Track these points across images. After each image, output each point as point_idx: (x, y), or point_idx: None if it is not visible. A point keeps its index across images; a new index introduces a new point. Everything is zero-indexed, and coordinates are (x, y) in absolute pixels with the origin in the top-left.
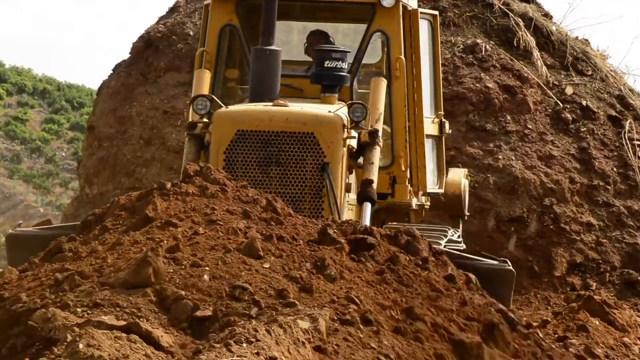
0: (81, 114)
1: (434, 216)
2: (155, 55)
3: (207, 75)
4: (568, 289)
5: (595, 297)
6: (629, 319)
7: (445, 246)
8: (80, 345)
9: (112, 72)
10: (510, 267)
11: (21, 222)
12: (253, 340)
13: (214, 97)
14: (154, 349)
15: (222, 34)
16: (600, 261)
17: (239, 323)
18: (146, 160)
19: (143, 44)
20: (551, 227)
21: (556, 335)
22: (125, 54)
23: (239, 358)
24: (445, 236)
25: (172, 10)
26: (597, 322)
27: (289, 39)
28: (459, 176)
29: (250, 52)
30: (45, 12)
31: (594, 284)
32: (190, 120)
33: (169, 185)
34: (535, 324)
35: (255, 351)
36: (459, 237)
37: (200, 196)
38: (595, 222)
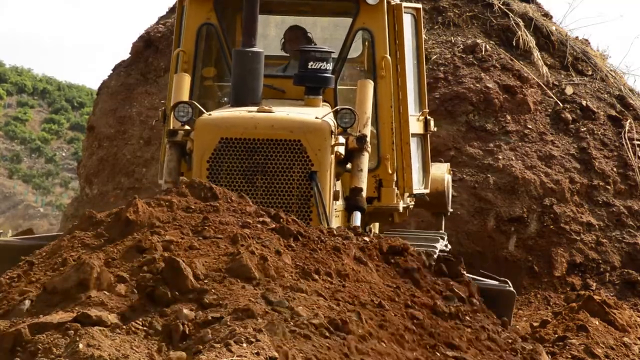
0: (81, 114)
1: (416, 213)
2: (155, 55)
3: (186, 80)
4: (568, 289)
5: (595, 297)
6: (629, 319)
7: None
8: (80, 345)
9: (112, 72)
10: (511, 288)
11: (1, 231)
12: (253, 340)
13: (196, 103)
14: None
15: (200, 33)
16: (600, 261)
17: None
18: (146, 160)
19: (143, 44)
20: (551, 227)
21: (556, 335)
22: (125, 54)
23: (239, 358)
24: (437, 246)
25: (172, 10)
26: (597, 322)
27: (266, 33)
28: (441, 172)
29: (231, 53)
30: (45, 12)
31: (594, 284)
32: (171, 127)
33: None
34: (535, 324)
35: (255, 351)
36: (446, 245)
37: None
38: (595, 222)
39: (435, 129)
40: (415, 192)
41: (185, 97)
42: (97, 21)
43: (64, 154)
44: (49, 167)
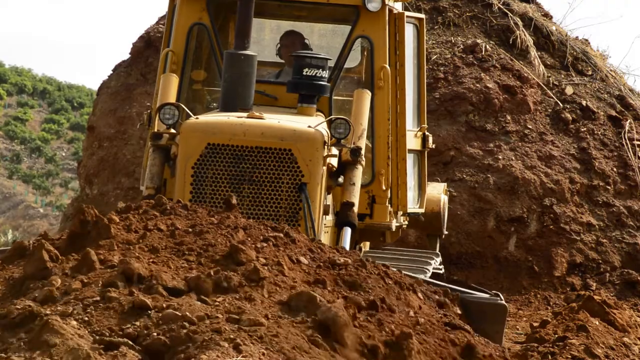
0: (81, 114)
1: (410, 234)
2: (155, 55)
3: (174, 81)
4: (568, 289)
5: (595, 297)
6: (629, 319)
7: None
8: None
9: (112, 72)
10: (503, 302)
11: None
12: (258, 341)
13: (183, 106)
14: None
15: (190, 33)
16: (600, 261)
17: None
18: None
19: (143, 44)
20: (551, 227)
21: (556, 335)
22: (125, 54)
23: (243, 358)
24: (429, 266)
25: None
26: (597, 322)
27: (260, 37)
28: (438, 192)
29: (222, 55)
30: (45, 12)
31: (594, 284)
32: (155, 129)
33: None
34: (535, 324)
35: (262, 351)
36: (440, 264)
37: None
38: (595, 222)
39: (434, 146)
40: (409, 210)
41: (172, 98)
42: (97, 21)
43: (64, 154)
44: (49, 167)
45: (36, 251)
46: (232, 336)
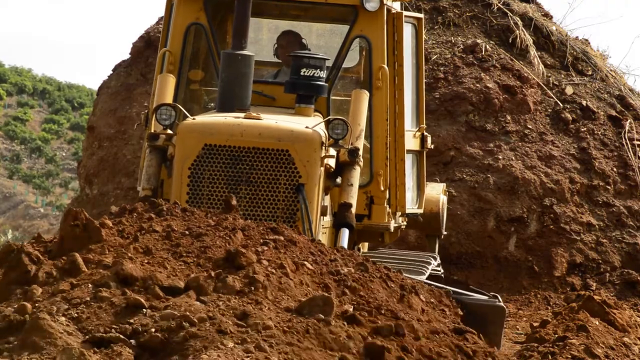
0: (81, 114)
1: (410, 234)
2: (155, 55)
3: (171, 81)
4: (568, 289)
5: (595, 297)
6: (629, 319)
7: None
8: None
9: (112, 72)
10: (501, 304)
11: None
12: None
13: (180, 106)
14: None
15: (188, 33)
16: (600, 261)
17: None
18: None
19: (143, 44)
20: (551, 227)
21: (556, 335)
22: (125, 54)
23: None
24: (427, 268)
25: None
26: (597, 322)
27: (258, 37)
28: (437, 192)
29: (220, 55)
30: (45, 12)
31: (594, 284)
32: (152, 130)
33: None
34: (535, 324)
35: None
36: (438, 265)
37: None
38: (595, 222)
39: (432, 147)
40: (408, 211)
41: (169, 99)
42: (97, 21)
43: (64, 154)
44: (49, 167)
45: (17, 255)
46: (237, 338)
